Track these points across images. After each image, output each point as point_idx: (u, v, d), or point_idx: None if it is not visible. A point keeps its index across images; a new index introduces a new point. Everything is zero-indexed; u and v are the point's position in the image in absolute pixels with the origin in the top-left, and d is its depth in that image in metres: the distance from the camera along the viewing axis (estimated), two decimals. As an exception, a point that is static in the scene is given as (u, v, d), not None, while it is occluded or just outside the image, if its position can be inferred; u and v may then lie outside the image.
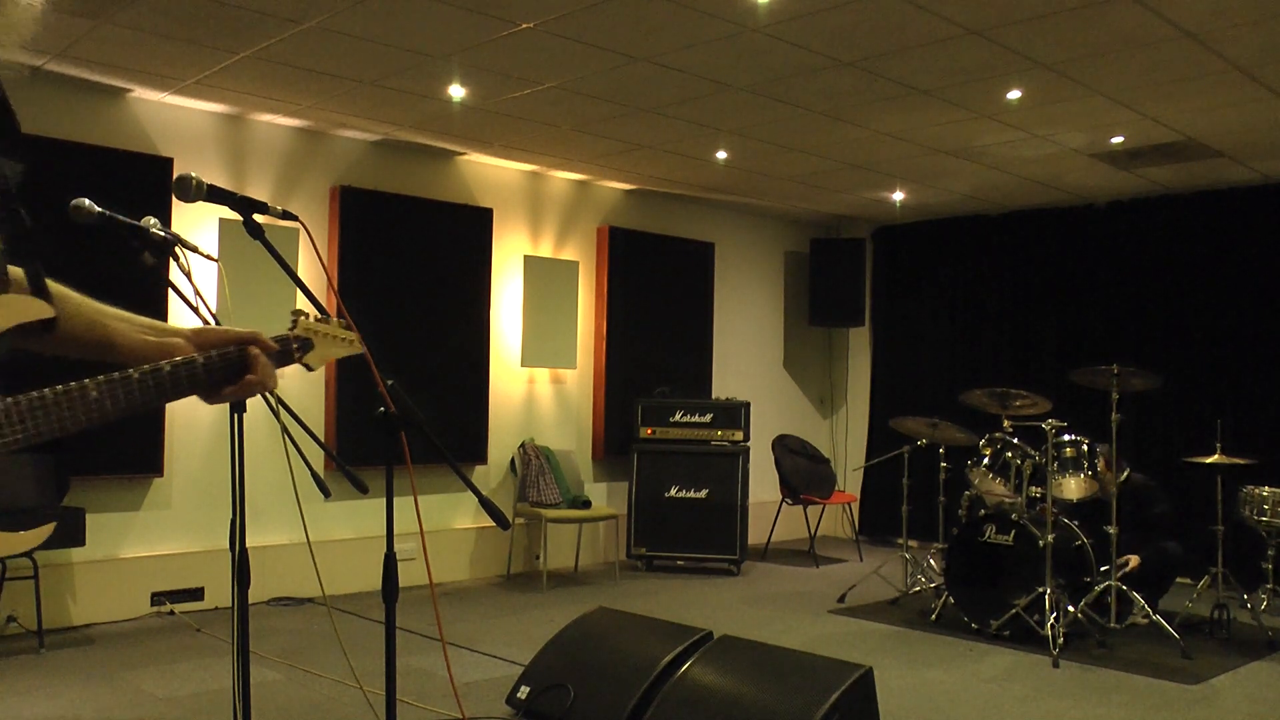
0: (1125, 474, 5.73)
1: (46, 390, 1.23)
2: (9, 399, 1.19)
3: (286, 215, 2.28)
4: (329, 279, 6.08)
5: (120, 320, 1.47)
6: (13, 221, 1.27)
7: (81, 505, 5.12)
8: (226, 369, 1.46)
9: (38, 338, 1.26)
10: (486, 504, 2.32)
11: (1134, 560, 5.59)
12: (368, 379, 2.20)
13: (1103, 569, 5.48)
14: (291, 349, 1.68)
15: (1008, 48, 4.70)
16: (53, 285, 1.37)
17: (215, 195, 2.20)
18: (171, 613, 5.64)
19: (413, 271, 6.62)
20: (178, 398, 1.42)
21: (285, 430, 2.83)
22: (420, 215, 6.72)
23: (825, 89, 5.35)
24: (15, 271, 1.30)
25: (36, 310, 1.25)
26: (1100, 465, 5.58)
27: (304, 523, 5.60)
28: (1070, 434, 5.62)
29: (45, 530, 1.27)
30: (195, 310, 2.54)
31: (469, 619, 5.77)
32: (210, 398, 1.48)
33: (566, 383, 7.62)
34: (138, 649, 5.00)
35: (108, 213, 2.47)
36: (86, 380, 1.28)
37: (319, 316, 1.76)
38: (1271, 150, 6.39)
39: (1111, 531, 5.46)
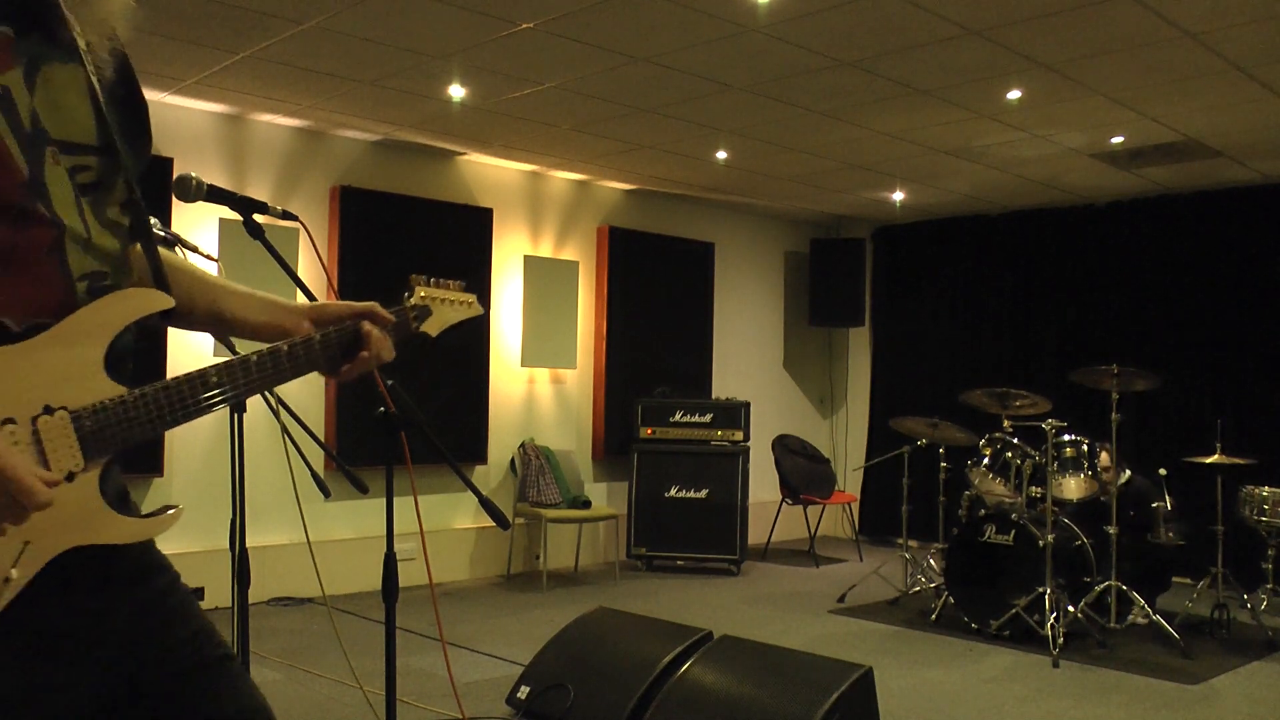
0: (1126, 476, 5.73)
1: (170, 380, 1.27)
2: (135, 390, 1.23)
3: (286, 215, 2.28)
4: (329, 279, 6.07)
5: (237, 297, 1.50)
6: (135, 210, 1.29)
7: (81, 505, 5.11)
8: (343, 345, 1.48)
9: (155, 322, 1.31)
10: (486, 504, 2.32)
11: None
12: (368, 379, 2.20)
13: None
14: (408, 319, 1.66)
15: (1008, 48, 4.70)
16: (170, 261, 1.40)
17: (215, 195, 2.20)
18: (171, 613, 5.64)
19: (412, 271, 6.59)
20: (297, 376, 1.44)
21: (285, 430, 2.84)
22: (420, 215, 6.72)
23: (825, 89, 5.35)
24: (137, 257, 1.34)
25: (158, 302, 1.29)
26: (1102, 460, 5.58)
27: (304, 523, 5.59)
28: (1070, 434, 5.62)
29: (170, 515, 1.31)
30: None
31: (469, 619, 5.77)
32: (331, 375, 1.50)
33: (566, 383, 7.62)
34: (138, 649, 4.99)
35: (108, 213, 2.46)
36: (207, 368, 1.31)
37: (437, 280, 1.73)
38: (1271, 150, 6.39)
39: (1112, 532, 5.46)
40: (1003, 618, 5.33)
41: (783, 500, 8.09)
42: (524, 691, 4.02)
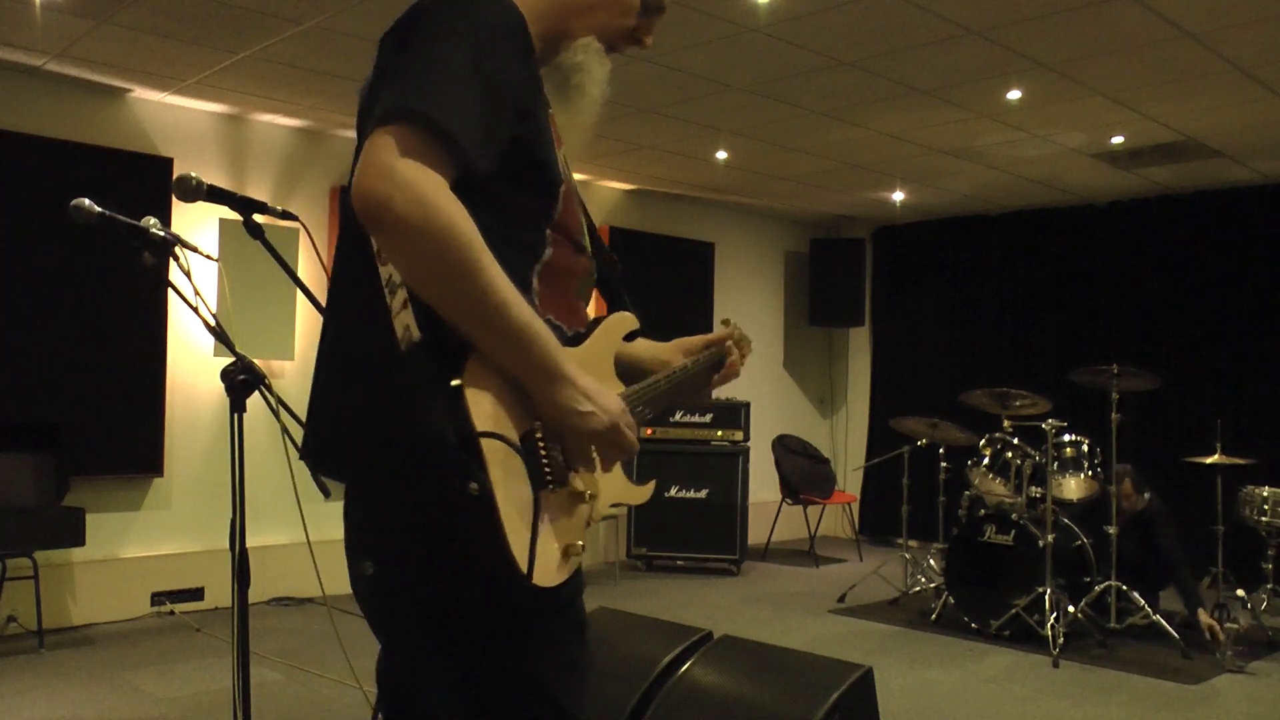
0: (1146, 499, 5.70)
1: (643, 383, 1.61)
2: (628, 389, 1.55)
3: (286, 215, 2.28)
4: (329, 279, 6.07)
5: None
6: (610, 265, 1.69)
7: (81, 505, 5.12)
8: (713, 365, 1.82)
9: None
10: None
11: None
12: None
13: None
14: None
15: (1008, 48, 4.70)
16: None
17: (215, 195, 2.20)
18: (171, 613, 5.64)
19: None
20: (689, 390, 1.76)
21: (285, 430, 2.83)
22: (420, 215, 6.71)
23: (825, 89, 5.35)
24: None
25: (633, 323, 1.62)
26: (1126, 487, 5.59)
27: (304, 523, 5.58)
28: (1070, 434, 5.62)
29: (650, 487, 1.67)
30: (195, 310, 2.54)
31: (469, 619, 5.76)
32: (705, 388, 1.83)
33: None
34: (138, 649, 5.00)
35: (108, 213, 2.46)
36: (656, 378, 1.66)
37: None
38: (1271, 150, 6.39)
39: (1112, 532, 5.46)
40: (1003, 618, 5.33)
41: (783, 500, 8.09)
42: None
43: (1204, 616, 5.31)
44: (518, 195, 1.40)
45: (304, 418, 1.50)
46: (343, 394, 1.41)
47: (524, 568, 1.28)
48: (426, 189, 1.24)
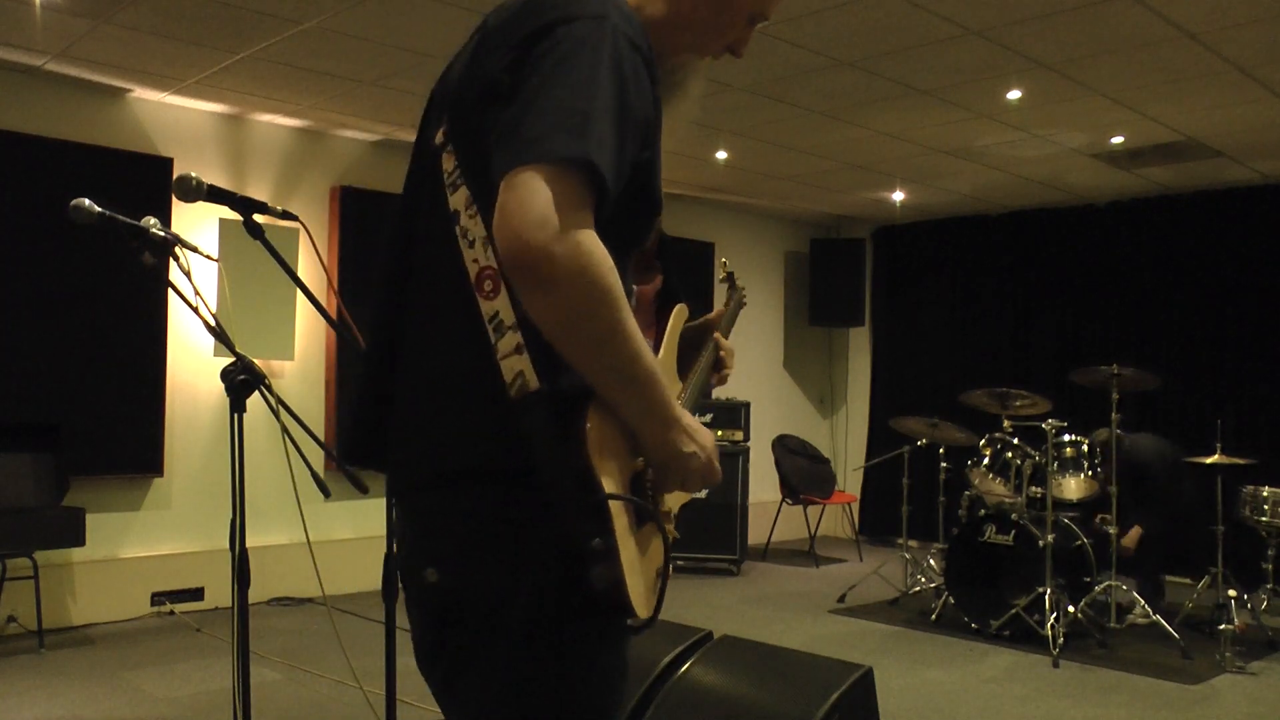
0: (1109, 434, 5.66)
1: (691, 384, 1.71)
2: (682, 390, 1.64)
3: (286, 215, 2.29)
4: (329, 279, 6.08)
5: None
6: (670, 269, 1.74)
7: (81, 505, 5.12)
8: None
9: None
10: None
11: (1135, 532, 5.58)
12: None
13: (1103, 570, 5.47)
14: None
15: (1008, 48, 4.70)
16: None
17: (215, 195, 2.20)
18: (171, 613, 5.64)
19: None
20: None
21: (285, 430, 2.83)
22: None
23: (825, 89, 5.35)
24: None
25: (686, 314, 1.71)
26: (1101, 434, 5.62)
27: (304, 523, 5.59)
28: (1070, 434, 5.62)
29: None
30: (195, 310, 2.54)
31: (469, 619, 5.76)
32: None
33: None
34: (138, 649, 5.00)
35: (108, 213, 2.46)
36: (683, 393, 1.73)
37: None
38: (1271, 150, 6.39)
39: (1111, 531, 5.46)
40: (1003, 618, 5.33)
41: (783, 500, 8.09)
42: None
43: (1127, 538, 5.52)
44: (624, 222, 1.36)
45: (354, 418, 1.53)
46: (436, 428, 1.38)
47: (643, 614, 1.33)
48: (587, 246, 1.21)
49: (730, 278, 2.05)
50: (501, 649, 1.34)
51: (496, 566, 1.33)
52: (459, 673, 1.40)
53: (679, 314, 1.65)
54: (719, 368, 1.82)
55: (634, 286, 1.45)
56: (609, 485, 1.28)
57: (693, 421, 1.38)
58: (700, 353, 1.79)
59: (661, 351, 1.53)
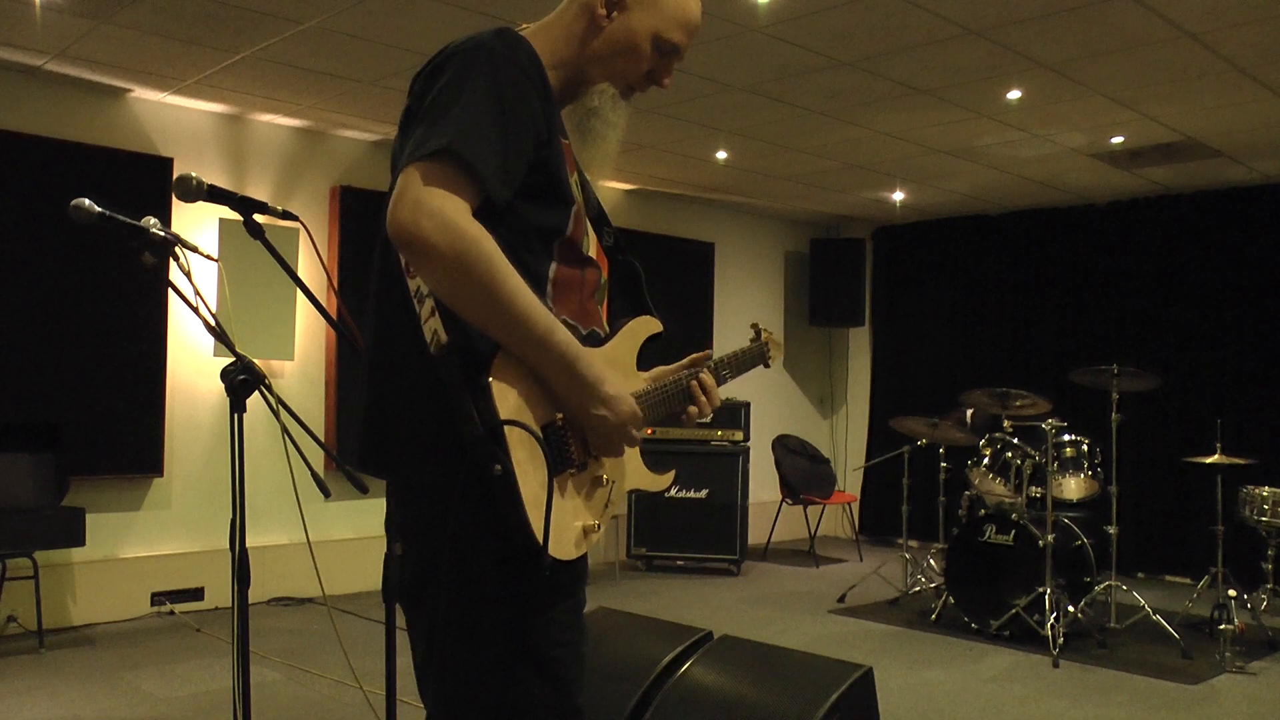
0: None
1: (664, 383, 1.80)
2: (649, 387, 1.75)
3: (286, 215, 2.28)
4: (329, 279, 6.08)
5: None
6: (629, 265, 1.89)
7: (81, 505, 5.12)
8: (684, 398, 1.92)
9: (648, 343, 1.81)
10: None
11: None
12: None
13: None
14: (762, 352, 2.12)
15: (1008, 48, 4.70)
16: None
17: (215, 195, 2.20)
18: (171, 613, 5.64)
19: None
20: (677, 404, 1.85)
21: (285, 430, 2.83)
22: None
23: (825, 89, 5.35)
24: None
25: (656, 326, 1.80)
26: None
27: (304, 523, 5.60)
28: (1070, 434, 5.62)
29: (670, 475, 1.84)
30: (195, 310, 2.54)
31: (469, 619, 5.76)
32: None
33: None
34: (138, 649, 5.00)
35: (108, 213, 2.46)
36: (682, 375, 1.84)
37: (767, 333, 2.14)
38: (1271, 150, 6.39)
39: (1112, 532, 5.46)
40: (1003, 618, 5.33)
41: (783, 500, 8.09)
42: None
43: None
44: (535, 213, 1.56)
45: (334, 421, 1.64)
46: (381, 396, 1.58)
47: (540, 540, 1.44)
48: (450, 215, 1.40)
49: (757, 332, 2.13)
50: (441, 611, 1.53)
51: (440, 529, 1.49)
52: (420, 637, 1.64)
53: (642, 321, 1.77)
54: (692, 398, 1.84)
55: (555, 266, 1.60)
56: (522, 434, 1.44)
57: (614, 390, 1.55)
58: (681, 369, 1.88)
59: (610, 345, 1.68)
